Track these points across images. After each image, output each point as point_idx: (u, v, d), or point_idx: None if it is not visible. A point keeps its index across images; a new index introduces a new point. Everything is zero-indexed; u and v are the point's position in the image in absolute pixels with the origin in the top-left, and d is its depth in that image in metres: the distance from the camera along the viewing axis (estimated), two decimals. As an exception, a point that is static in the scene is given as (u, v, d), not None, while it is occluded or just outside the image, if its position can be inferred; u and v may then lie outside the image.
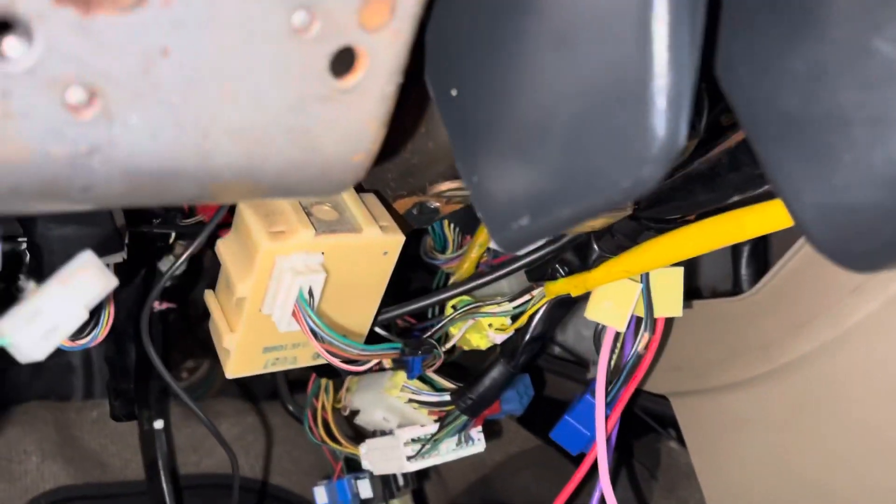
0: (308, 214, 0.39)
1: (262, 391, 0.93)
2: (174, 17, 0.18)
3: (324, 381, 0.65)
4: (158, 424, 0.69)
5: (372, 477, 0.65)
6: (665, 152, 0.21)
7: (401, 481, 0.65)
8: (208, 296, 0.44)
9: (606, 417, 0.50)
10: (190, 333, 0.86)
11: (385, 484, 0.64)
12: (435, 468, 0.94)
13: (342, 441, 0.65)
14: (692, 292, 0.65)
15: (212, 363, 0.93)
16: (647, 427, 0.77)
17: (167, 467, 0.69)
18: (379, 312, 0.50)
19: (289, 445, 0.90)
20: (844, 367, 0.54)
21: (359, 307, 0.43)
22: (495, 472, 0.88)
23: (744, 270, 0.66)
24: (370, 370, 0.51)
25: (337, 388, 0.62)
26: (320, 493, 0.67)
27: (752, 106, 0.24)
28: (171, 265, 0.48)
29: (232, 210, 0.41)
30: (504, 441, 0.89)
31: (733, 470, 0.62)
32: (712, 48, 0.25)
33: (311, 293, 0.39)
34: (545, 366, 0.74)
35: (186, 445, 0.85)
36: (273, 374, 0.90)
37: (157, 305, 0.63)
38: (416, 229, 0.51)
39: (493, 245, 0.56)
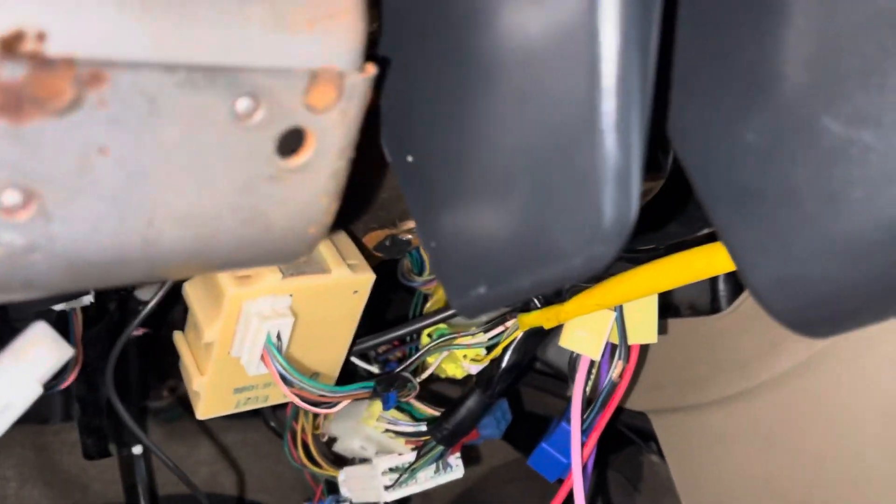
0: (275, 258, 0.38)
1: (243, 408, 0.93)
2: (111, 116, 0.17)
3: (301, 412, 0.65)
4: (137, 450, 0.68)
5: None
6: (615, 232, 0.21)
7: None
8: (177, 337, 0.43)
9: (582, 445, 0.50)
10: (171, 353, 0.85)
11: (365, 507, 0.64)
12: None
13: (322, 464, 0.65)
14: (670, 309, 0.65)
15: (193, 381, 0.92)
16: (629, 439, 0.77)
17: (146, 490, 0.68)
18: (354, 343, 0.49)
19: (271, 462, 0.90)
20: (822, 385, 0.54)
21: (329, 347, 0.43)
22: (479, 486, 0.88)
23: (721, 287, 0.66)
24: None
25: (316, 414, 0.61)
26: (301, 517, 0.66)
27: (706, 175, 0.24)
28: (147, 301, 0.47)
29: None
30: (487, 455, 0.88)
31: (713, 486, 0.62)
32: (665, 111, 0.25)
33: (279, 337, 0.39)
34: (525, 380, 0.74)
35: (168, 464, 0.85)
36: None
37: (135, 332, 0.62)
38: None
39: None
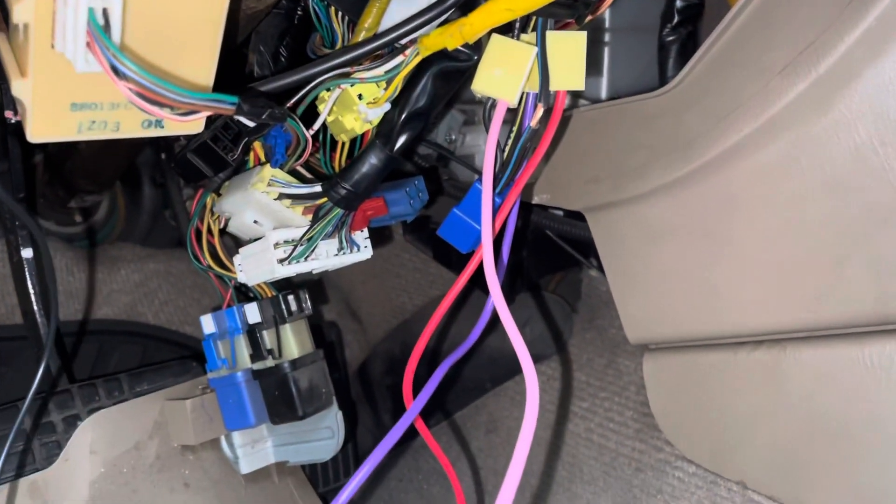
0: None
1: (165, 238, 0.86)
2: None
3: (209, 199, 0.58)
4: (27, 254, 0.62)
5: (261, 301, 0.59)
6: None
7: (293, 306, 0.59)
8: (-3, 37, 0.36)
9: (500, 206, 0.44)
10: (80, 167, 0.78)
11: (275, 308, 0.59)
12: (354, 316, 0.90)
13: (229, 265, 0.59)
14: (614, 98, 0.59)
15: (110, 206, 0.86)
16: (569, 260, 0.72)
17: (42, 304, 0.63)
18: (242, 89, 0.42)
19: (197, 293, 0.85)
20: (769, 159, 0.48)
21: (188, 53, 0.36)
22: (417, 317, 0.83)
23: (671, 72, 0.59)
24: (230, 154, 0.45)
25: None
26: (207, 322, 0.61)
27: None
28: None
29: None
30: (425, 285, 0.84)
31: (649, 287, 0.58)
32: None
33: (105, 17, 0.32)
34: (453, 193, 0.68)
35: (81, 291, 0.79)
36: (177, 219, 0.84)
37: (12, 117, 0.54)
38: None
39: (381, 29, 0.49)
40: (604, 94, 0.59)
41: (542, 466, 0.67)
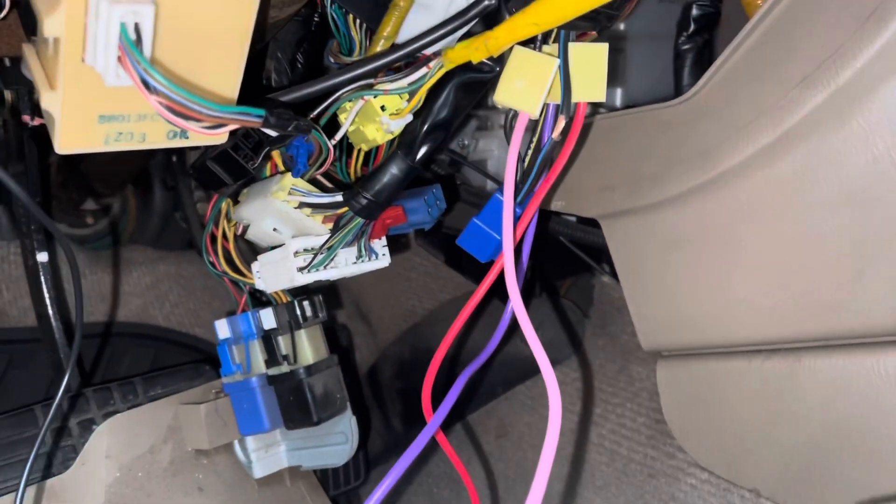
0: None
1: (176, 240, 0.86)
2: None
3: (224, 205, 0.59)
4: (42, 257, 0.62)
5: (276, 307, 0.59)
6: None
7: (308, 311, 0.60)
8: (26, 47, 0.36)
9: (520, 216, 0.45)
10: (93, 170, 0.78)
11: (290, 313, 0.59)
12: (364, 319, 0.90)
13: (244, 270, 0.59)
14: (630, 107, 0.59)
15: (121, 208, 0.86)
16: (581, 266, 0.72)
17: (57, 307, 0.63)
18: (266, 100, 0.43)
19: (208, 296, 0.85)
20: (786, 171, 0.48)
21: (215, 65, 0.36)
22: (426, 320, 0.83)
23: (686, 80, 0.59)
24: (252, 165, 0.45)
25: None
26: (222, 327, 0.61)
27: None
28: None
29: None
30: (435, 289, 0.84)
31: (664, 295, 0.58)
32: None
33: (137, 31, 0.32)
34: (467, 199, 0.68)
35: (94, 294, 0.79)
36: (188, 222, 0.84)
37: (30, 121, 0.54)
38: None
39: (399, 40, 0.49)
40: (619, 102, 0.59)
41: (554, 472, 0.67)
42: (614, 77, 0.58)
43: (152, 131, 0.38)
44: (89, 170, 0.72)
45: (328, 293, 0.87)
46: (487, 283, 0.45)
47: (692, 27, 0.58)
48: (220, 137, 0.38)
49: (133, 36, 0.32)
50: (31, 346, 0.72)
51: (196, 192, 0.82)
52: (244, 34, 0.36)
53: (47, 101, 0.35)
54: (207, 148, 0.51)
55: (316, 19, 0.58)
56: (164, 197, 0.85)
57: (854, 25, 0.43)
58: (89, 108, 0.36)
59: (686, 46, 0.59)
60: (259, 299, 0.64)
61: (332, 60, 0.55)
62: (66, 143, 0.37)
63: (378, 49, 0.48)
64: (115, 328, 0.78)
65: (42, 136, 0.63)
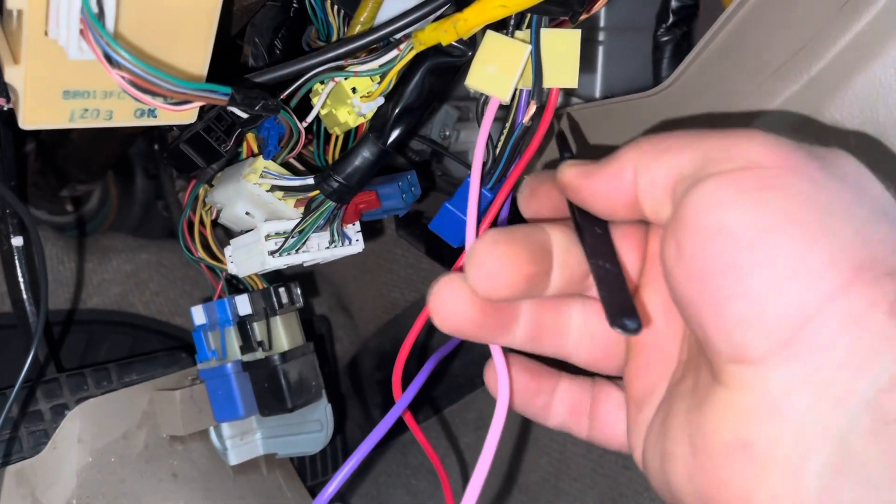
0: None
1: (157, 228, 0.86)
2: None
3: (201, 190, 0.58)
4: (17, 241, 0.62)
5: (252, 293, 0.59)
6: None
7: (284, 298, 0.60)
8: (-11, 23, 0.36)
9: (491, 201, 0.45)
10: (72, 156, 0.77)
11: (266, 300, 0.59)
12: (345, 311, 0.90)
13: (221, 256, 0.59)
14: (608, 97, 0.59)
15: (102, 196, 0.86)
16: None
17: (32, 293, 0.62)
18: (236, 80, 0.43)
19: (188, 285, 0.85)
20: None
21: (182, 42, 0.36)
22: (408, 312, 0.83)
23: (665, 72, 0.59)
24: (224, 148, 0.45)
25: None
26: (198, 313, 0.61)
27: None
28: None
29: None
30: (417, 280, 0.84)
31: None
32: None
33: (100, 4, 0.32)
34: (448, 190, 0.68)
35: (72, 281, 0.79)
36: (169, 210, 0.84)
37: (4, 105, 0.54)
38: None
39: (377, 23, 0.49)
40: (598, 92, 0.59)
41: (530, 462, 0.67)
42: (592, 68, 0.58)
43: (119, 109, 0.38)
44: (68, 156, 0.72)
45: (308, 285, 0.86)
46: (458, 268, 0.45)
47: (671, 19, 0.58)
48: (187, 115, 0.38)
49: (95, 9, 0.32)
50: (6, 332, 0.71)
51: (178, 180, 0.82)
52: (212, 10, 0.35)
53: (11, 75, 0.35)
54: (182, 132, 0.51)
55: (295, 5, 0.58)
56: (146, 185, 0.84)
57: (828, 16, 0.44)
58: (53, 82, 0.35)
59: (665, 38, 0.59)
60: (236, 287, 0.64)
61: (309, 46, 0.55)
62: (29, 118, 0.36)
63: (355, 32, 0.48)
64: (93, 315, 0.78)
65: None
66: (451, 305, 0.31)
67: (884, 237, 0.25)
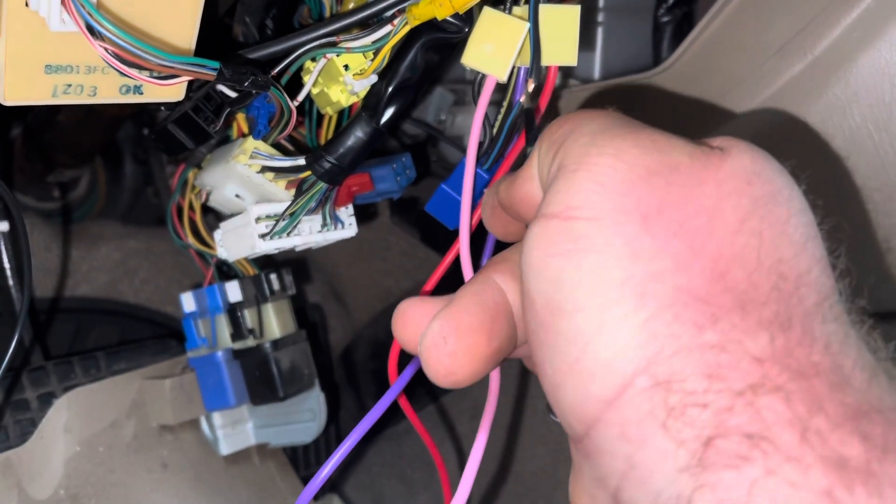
0: None
1: (147, 215, 0.85)
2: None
3: (191, 174, 0.57)
4: (3, 226, 0.60)
5: (243, 279, 0.58)
6: None
7: (275, 285, 0.58)
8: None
9: (488, 181, 0.44)
10: (59, 141, 0.76)
11: (257, 286, 0.58)
12: (339, 299, 0.89)
13: (210, 242, 0.58)
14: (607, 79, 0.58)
15: (90, 182, 0.84)
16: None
17: (17, 279, 0.61)
18: (225, 56, 0.41)
19: (178, 273, 0.83)
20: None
21: (168, 14, 0.35)
22: (402, 300, 0.82)
23: (665, 52, 0.58)
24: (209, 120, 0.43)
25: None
26: (188, 300, 0.60)
27: None
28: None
29: None
30: (412, 268, 0.83)
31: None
32: None
33: (81, -28, 0.30)
34: (440, 172, 0.67)
35: (60, 268, 0.78)
36: (159, 197, 0.82)
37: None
38: None
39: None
40: (597, 74, 0.58)
41: (527, 452, 0.66)
42: (591, 48, 0.57)
43: (103, 85, 0.37)
44: (54, 139, 0.70)
45: (301, 272, 0.85)
46: (454, 252, 0.44)
47: (671, -1, 0.57)
48: (174, 91, 0.37)
49: (76, -23, 0.30)
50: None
51: (168, 166, 0.80)
52: (198, -18, 0.34)
53: (-11, 47, 0.33)
54: (169, 114, 0.49)
55: (286, -17, 0.57)
56: (135, 171, 0.83)
57: (831, -6, 0.43)
58: (35, 56, 0.34)
59: (665, 19, 0.58)
60: (227, 273, 0.63)
61: (301, 25, 0.53)
62: (11, 93, 0.35)
63: (350, 7, 0.47)
64: (81, 304, 0.76)
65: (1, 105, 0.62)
66: (443, 371, 0.29)
67: (679, 330, 0.21)
